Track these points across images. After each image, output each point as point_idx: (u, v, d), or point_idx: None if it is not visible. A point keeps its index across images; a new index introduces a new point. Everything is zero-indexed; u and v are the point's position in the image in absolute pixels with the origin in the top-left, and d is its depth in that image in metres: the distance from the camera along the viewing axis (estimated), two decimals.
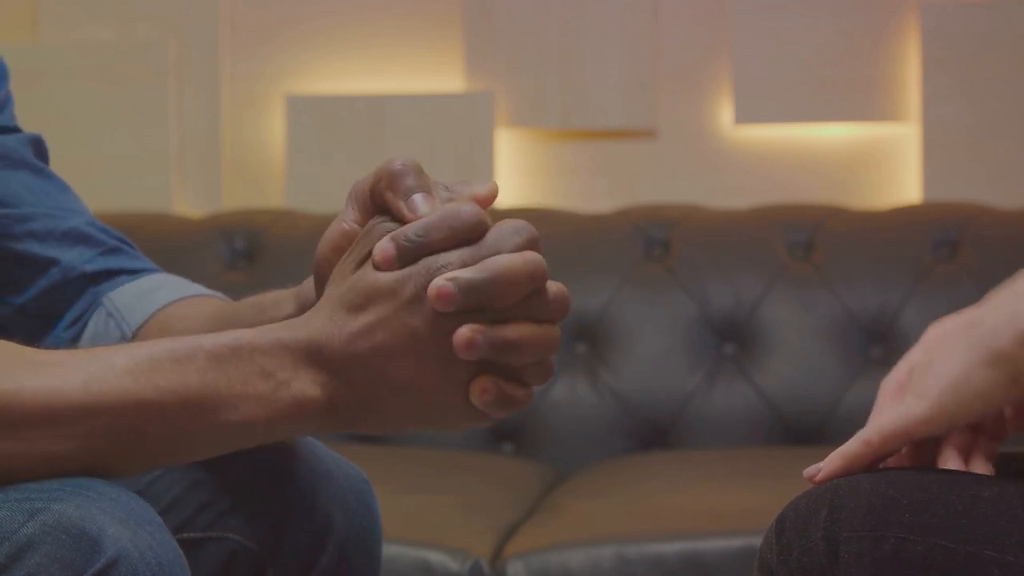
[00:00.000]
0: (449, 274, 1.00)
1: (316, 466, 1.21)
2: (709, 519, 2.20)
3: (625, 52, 3.08)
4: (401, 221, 1.03)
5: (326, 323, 1.01)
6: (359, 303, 1.01)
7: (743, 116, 3.05)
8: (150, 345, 1.00)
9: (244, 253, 2.97)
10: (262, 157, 3.20)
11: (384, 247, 1.02)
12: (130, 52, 3.19)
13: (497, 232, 1.03)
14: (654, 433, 2.77)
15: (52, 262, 1.25)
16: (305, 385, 1.01)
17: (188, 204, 3.19)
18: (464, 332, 1.00)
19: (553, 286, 1.04)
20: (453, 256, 1.01)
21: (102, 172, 3.13)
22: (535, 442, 2.77)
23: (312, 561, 1.20)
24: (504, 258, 1.01)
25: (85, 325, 1.29)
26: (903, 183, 3.05)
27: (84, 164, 3.11)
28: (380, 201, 1.06)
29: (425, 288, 1.00)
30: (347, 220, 1.08)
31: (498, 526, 2.26)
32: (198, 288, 1.27)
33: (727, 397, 2.73)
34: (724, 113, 3.08)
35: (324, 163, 3.12)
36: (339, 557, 1.21)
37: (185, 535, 1.06)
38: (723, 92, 3.08)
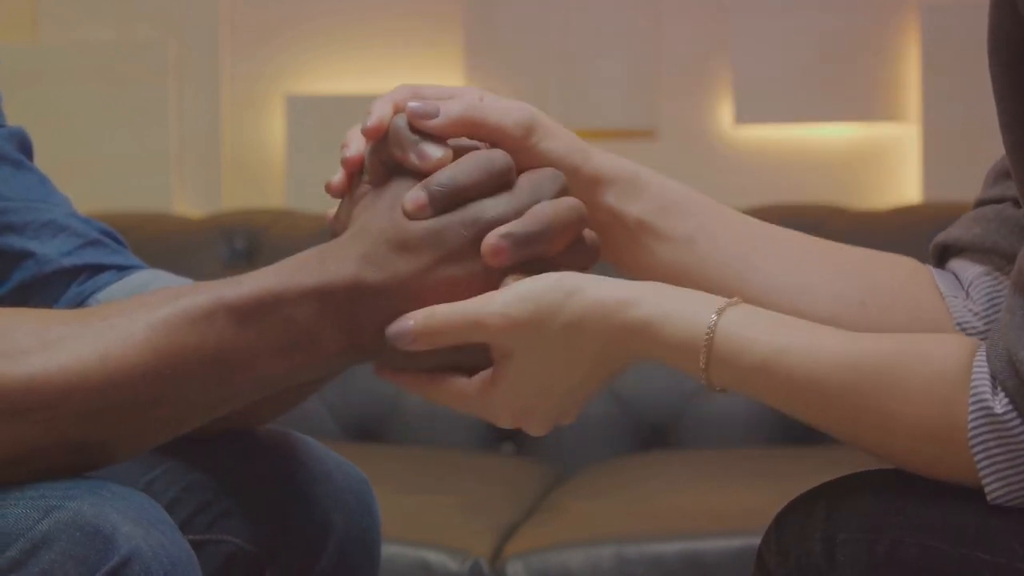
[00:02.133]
0: (503, 230, 1.01)
1: (315, 467, 1.21)
2: (709, 519, 2.20)
3: (626, 52, 3.08)
4: (418, 174, 1.03)
5: (361, 263, 1.00)
6: (403, 245, 1.01)
7: (743, 116, 3.05)
8: (169, 302, 0.98)
9: (244, 253, 2.97)
10: (262, 157, 3.21)
11: (416, 196, 1.02)
12: (130, 52, 3.19)
13: (533, 180, 1.04)
14: (654, 433, 2.77)
15: (28, 254, 1.24)
16: (329, 330, 1.00)
17: (188, 204, 3.19)
18: (489, 240, 1.01)
19: (588, 232, 1.06)
20: (499, 205, 1.02)
21: (102, 172, 3.13)
22: (535, 442, 2.77)
23: (311, 562, 1.20)
24: (549, 206, 1.03)
25: None
26: (903, 183, 3.05)
27: (84, 164, 3.11)
28: (391, 161, 1.06)
29: (471, 238, 1.01)
30: (362, 184, 1.08)
31: (498, 526, 2.26)
32: (186, 282, 1.26)
33: (727, 397, 2.72)
34: (724, 113, 3.08)
35: (324, 163, 3.11)
36: (338, 558, 1.20)
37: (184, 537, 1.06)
38: (723, 92, 3.08)
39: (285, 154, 3.15)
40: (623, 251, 1.14)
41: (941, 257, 1.18)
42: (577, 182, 1.10)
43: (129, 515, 0.93)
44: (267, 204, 3.15)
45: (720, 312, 0.99)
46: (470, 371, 1.04)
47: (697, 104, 3.10)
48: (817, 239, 1.17)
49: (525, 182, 1.04)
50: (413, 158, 1.04)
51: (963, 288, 1.14)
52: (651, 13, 3.07)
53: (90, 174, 3.10)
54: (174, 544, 0.95)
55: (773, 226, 1.17)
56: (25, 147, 1.31)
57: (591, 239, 1.06)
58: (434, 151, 1.04)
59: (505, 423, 1.06)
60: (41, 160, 1.32)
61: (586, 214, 1.05)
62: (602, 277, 1.02)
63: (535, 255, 1.02)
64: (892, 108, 3.03)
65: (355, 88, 3.16)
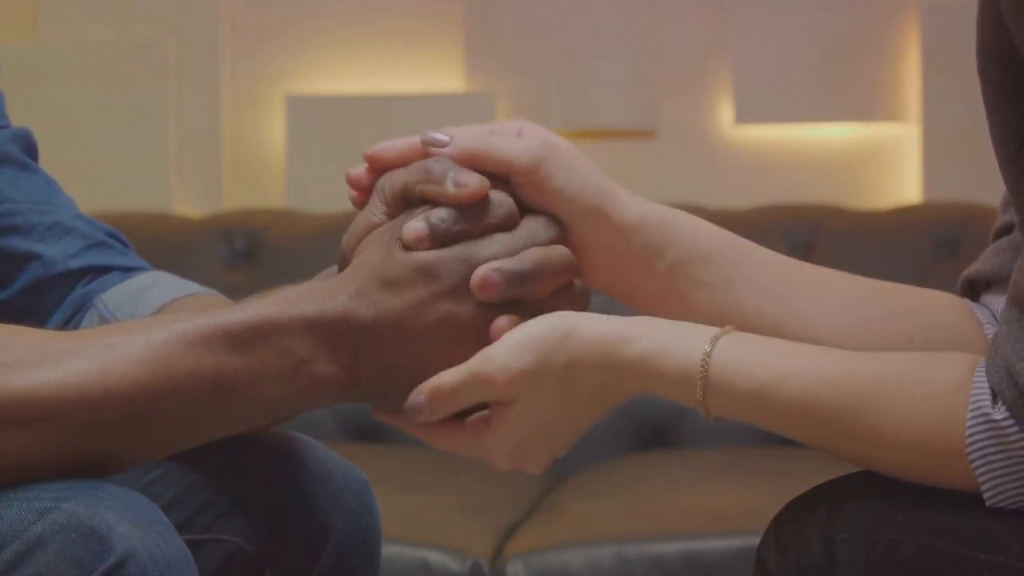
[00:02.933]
0: (494, 264, 1.02)
1: (315, 467, 1.21)
2: (709, 519, 2.20)
3: (625, 52, 3.08)
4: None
5: (354, 298, 1.01)
6: (394, 281, 1.01)
7: (743, 116, 3.05)
8: (167, 325, 0.99)
9: (244, 253, 2.97)
10: (262, 157, 3.21)
11: (416, 227, 1.02)
12: (130, 52, 3.19)
13: (531, 224, 1.05)
14: (654, 433, 2.77)
15: (34, 256, 1.24)
16: (326, 364, 1.00)
17: (188, 204, 3.19)
18: (480, 271, 1.01)
19: (578, 281, 1.07)
20: (493, 245, 1.03)
21: (102, 172, 3.13)
22: None
23: (311, 562, 1.20)
24: (542, 250, 1.04)
25: (78, 327, 1.27)
26: (903, 183, 3.05)
27: (84, 164, 3.11)
28: (414, 197, 1.06)
29: (463, 276, 1.01)
30: (375, 213, 1.07)
31: (498, 526, 2.26)
32: (192, 286, 1.26)
33: None
34: (724, 113, 3.08)
35: (324, 163, 3.12)
36: (338, 558, 1.20)
37: (183, 537, 1.06)
38: (723, 92, 3.08)
39: (285, 154, 3.15)
40: (656, 298, 1.12)
41: (970, 292, 1.18)
42: (596, 223, 1.09)
43: (125, 516, 0.93)
44: (267, 204, 3.15)
45: (714, 342, 1.00)
46: (464, 413, 1.05)
47: (697, 104, 3.10)
48: (856, 277, 1.16)
49: (522, 226, 1.05)
50: (450, 186, 1.03)
51: (996, 319, 1.14)
52: (651, 13, 3.07)
53: (90, 174, 3.10)
54: (170, 544, 0.94)
55: (810, 265, 1.15)
56: (30, 148, 1.31)
57: (581, 288, 1.07)
58: (470, 179, 1.03)
59: (503, 466, 1.06)
60: (41, 160, 1.32)
61: (576, 264, 1.06)
62: (595, 315, 1.02)
63: (524, 294, 1.02)
64: (892, 108, 3.03)
65: (355, 88, 3.15)
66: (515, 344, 1.01)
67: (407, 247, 1.02)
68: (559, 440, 1.05)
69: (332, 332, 1.00)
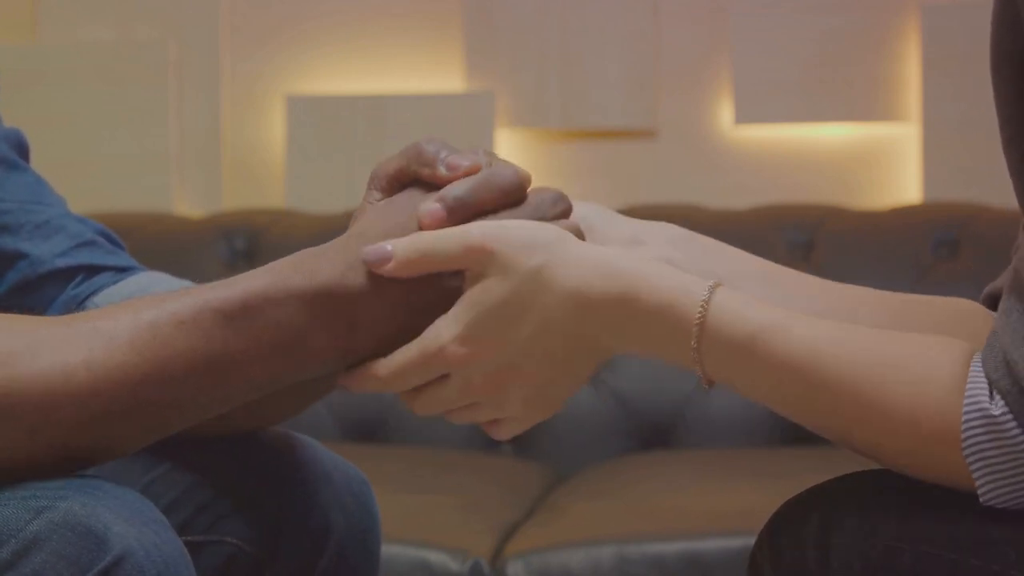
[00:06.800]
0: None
1: (314, 468, 1.21)
2: (709, 519, 2.20)
3: (625, 52, 3.08)
4: (439, 187, 1.04)
5: (351, 267, 1.00)
6: None
7: (743, 116, 3.05)
8: (155, 306, 0.98)
9: (244, 253, 2.97)
10: (262, 157, 3.21)
11: (432, 208, 1.02)
12: (130, 52, 3.19)
13: (538, 198, 1.06)
14: (654, 433, 2.77)
15: (21, 255, 1.23)
16: (319, 334, 0.99)
17: (188, 204, 3.19)
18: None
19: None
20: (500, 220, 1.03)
21: (102, 172, 3.13)
22: (535, 442, 2.77)
23: (311, 563, 1.20)
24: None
25: None
26: (903, 183, 3.05)
27: (84, 164, 3.11)
28: (406, 179, 1.06)
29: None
30: (372, 200, 1.08)
31: (498, 526, 2.26)
32: (188, 285, 1.25)
33: (727, 397, 2.72)
34: (724, 113, 3.08)
35: (324, 163, 3.12)
36: (338, 559, 1.21)
37: (183, 538, 1.06)
38: (723, 92, 3.08)
39: (285, 154, 3.15)
40: None
41: (993, 308, 1.18)
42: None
43: (121, 514, 0.93)
44: (267, 204, 3.15)
45: (711, 290, 0.99)
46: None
47: (697, 104, 3.10)
48: (872, 290, 1.17)
49: (531, 199, 1.06)
50: (441, 169, 1.04)
51: None
52: (650, 13, 3.07)
53: (90, 174, 3.10)
54: (167, 543, 0.94)
55: (826, 281, 1.16)
56: (21, 148, 1.30)
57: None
58: (461, 160, 1.04)
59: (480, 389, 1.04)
60: (41, 160, 1.32)
61: (583, 235, 1.06)
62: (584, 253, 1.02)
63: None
64: (892, 108, 3.03)
65: (355, 88, 3.15)
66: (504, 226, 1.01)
67: (425, 228, 1.01)
68: (536, 376, 1.03)
69: (326, 302, 0.99)
